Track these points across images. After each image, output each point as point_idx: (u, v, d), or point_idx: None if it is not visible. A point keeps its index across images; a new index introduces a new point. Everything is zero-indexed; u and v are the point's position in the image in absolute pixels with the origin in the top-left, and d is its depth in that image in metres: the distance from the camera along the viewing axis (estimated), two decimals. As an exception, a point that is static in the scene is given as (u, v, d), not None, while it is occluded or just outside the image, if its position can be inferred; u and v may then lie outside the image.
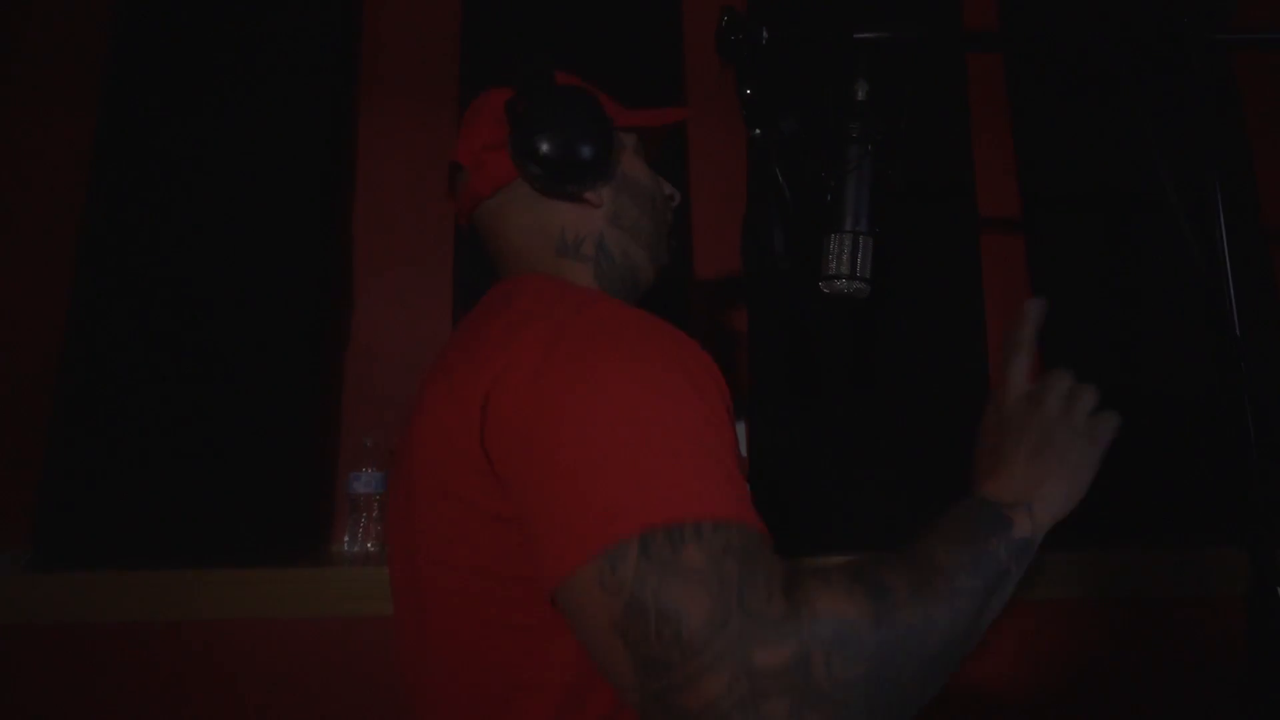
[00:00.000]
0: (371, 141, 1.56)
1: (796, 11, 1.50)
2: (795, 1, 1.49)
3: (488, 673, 0.61)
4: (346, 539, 1.32)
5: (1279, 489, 0.81)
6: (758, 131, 0.94)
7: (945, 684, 0.52)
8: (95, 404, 1.29)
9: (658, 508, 0.49)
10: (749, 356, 1.49)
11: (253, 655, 1.26)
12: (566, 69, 0.83)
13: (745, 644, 0.45)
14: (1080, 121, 1.60)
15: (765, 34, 0.93)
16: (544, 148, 0.73)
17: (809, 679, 0.45)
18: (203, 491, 1.28)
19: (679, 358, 0.59)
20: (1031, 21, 1.63)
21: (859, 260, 0.86)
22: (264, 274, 1.38)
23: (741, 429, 1.42)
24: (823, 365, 1.49)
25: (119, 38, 1.41)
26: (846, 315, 1.49)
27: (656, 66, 1.55)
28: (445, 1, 1.58)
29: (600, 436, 0.52)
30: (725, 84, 1.03)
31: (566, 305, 0.64)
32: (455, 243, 1.49)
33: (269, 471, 1.31)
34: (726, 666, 0.44)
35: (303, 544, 1.33)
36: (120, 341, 1.31)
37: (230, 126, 1.41)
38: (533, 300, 0.67)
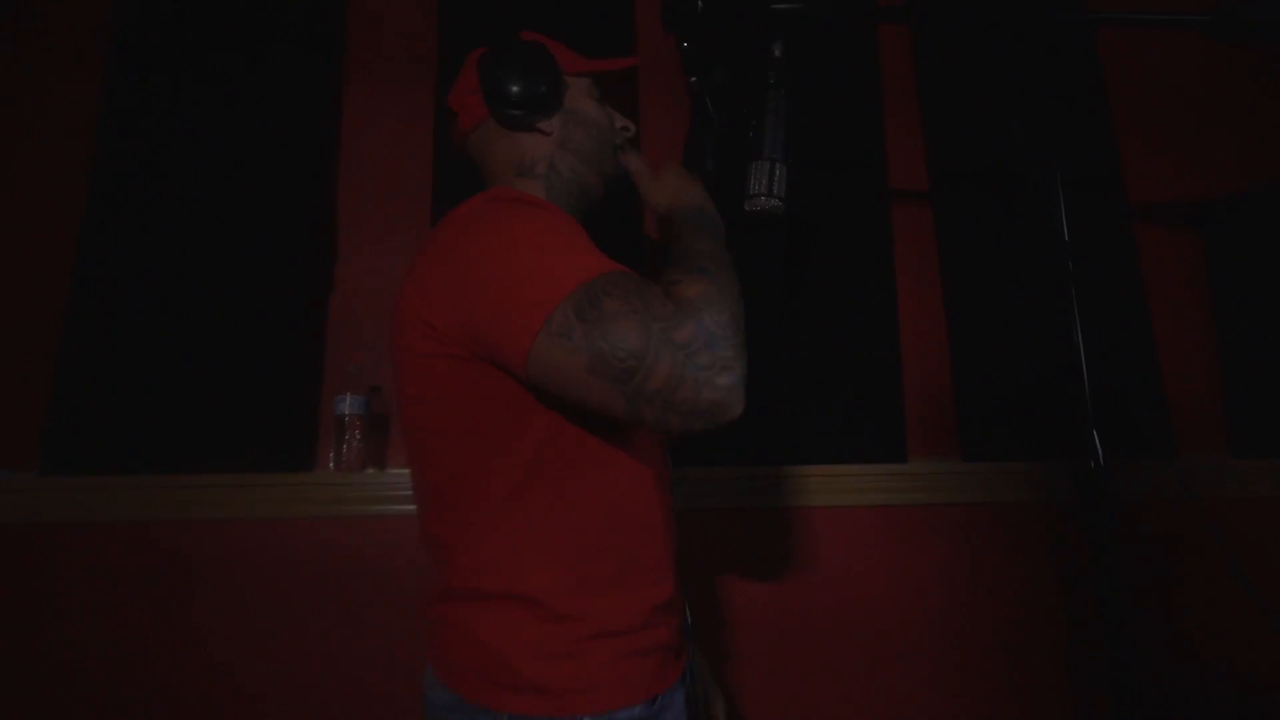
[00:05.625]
0: (355, 119, 1.73)
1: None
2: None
3: (461, 448, 0.81)
4: (332, 454, 1.47)
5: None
6: (694, 79, 1.16)
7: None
8: (106, 331, 1.43)
9: (566, 281, 0.70)
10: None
11: (245, 552, 1.39)
12: (535, 29, 1.02)
13: (666, 335, 0.68)
14: (983, 104, 1.87)
15: (700, 3, 1.15)
16: (502, 89, 0.93)
17: (707, 332, 0.69)
18: (202, 408, 1.43)
19: (546, 214, 0.82)
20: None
21: (775, 182, 1.07)
22: (262, 229, 1.55)
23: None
24: (762, 301, 1.70)
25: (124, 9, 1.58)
26: (783, 266, 1.72)
27: (611, 28, 1.79)
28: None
29: (505, 256, 0.75)
30: (671, 48, 1.24)
31: (484, 199, 0.85)
32: (431, 203, 1.67)
33: (263, 392, 1.46)
34: (665, 352, 0.67)
35: (293, 455, 1.47)
36: (128, 280, 1.46)
37: (233, 101, 1.59)
38: (468, 205, 0.85)
